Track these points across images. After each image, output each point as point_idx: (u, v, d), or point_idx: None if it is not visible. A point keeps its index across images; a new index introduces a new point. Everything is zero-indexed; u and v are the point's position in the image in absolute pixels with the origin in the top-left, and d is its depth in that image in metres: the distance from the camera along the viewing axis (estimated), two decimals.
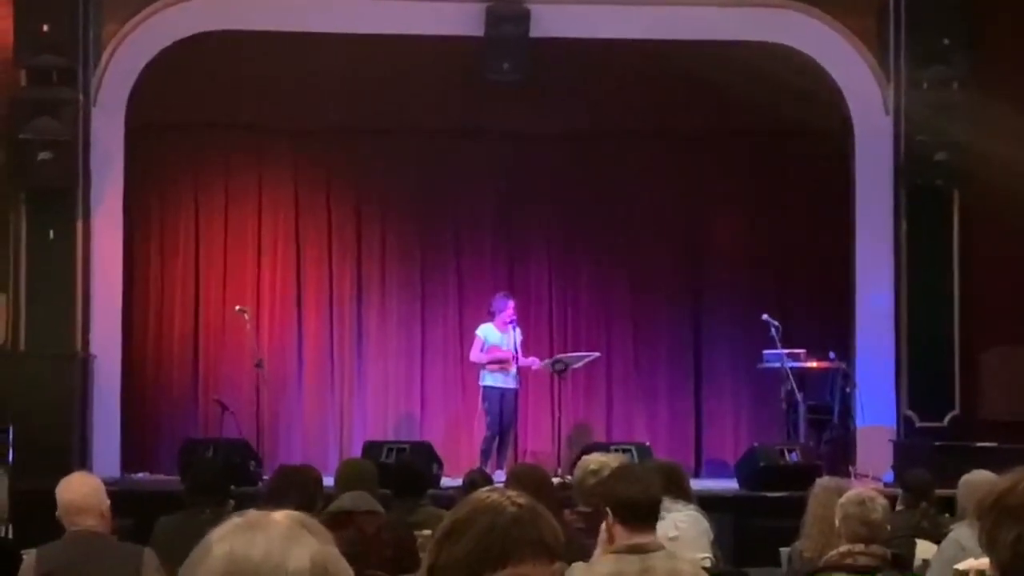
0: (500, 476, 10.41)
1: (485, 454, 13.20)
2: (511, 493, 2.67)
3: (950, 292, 13.52)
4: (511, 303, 13.33)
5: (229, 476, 7.92)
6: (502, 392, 13.20)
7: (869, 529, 5.81)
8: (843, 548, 5.84)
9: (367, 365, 14.52)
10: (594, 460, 6.78)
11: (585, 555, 4.77)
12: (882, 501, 5.94)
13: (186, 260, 14.37)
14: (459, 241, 14.72)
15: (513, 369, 13.17)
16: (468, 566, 2.52)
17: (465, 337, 14.19)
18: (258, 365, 13.17)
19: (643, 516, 4.64)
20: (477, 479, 8.23)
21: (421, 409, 14.51)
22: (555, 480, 8.66)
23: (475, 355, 13.35)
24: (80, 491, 5.75)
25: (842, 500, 5.97)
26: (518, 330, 13.32)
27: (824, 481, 7.18)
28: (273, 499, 5.75)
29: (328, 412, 14.37)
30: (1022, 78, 13.21)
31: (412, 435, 13.85)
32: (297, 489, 5.79)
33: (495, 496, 2.64)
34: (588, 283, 14.80)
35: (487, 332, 13.30)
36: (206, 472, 7.72)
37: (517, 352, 13.15)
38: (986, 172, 13.02)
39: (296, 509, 2.06)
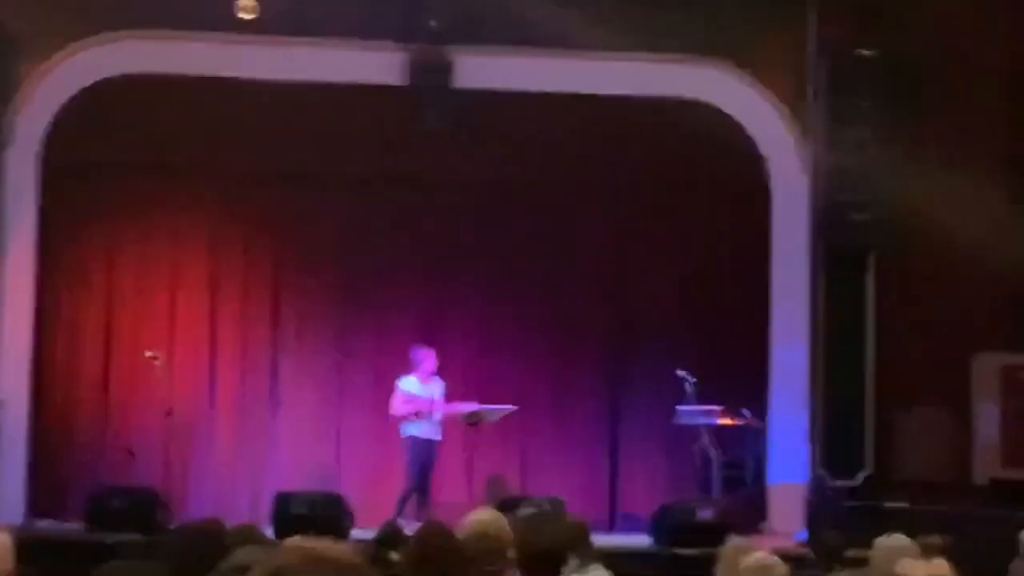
0: None
1: (402, 504, 13.07)
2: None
3: (864, 352, 13.59)
4: (431, 354, 13.26)
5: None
6: (424, 442, 13.12)
7: None
8: None
9: (283, 414, 14.32)
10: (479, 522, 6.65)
11: None
12: (783, 567, 5.90)
13: (98, 304, 14.13)
14: (380, 289, 14.56)
15: (436, 417, 13.10)
16: None
17: (384, 387, 14.05)
18: (168, 414, 13.00)
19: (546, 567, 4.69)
20: (389, 533, 8.12)
21: (338, 460, 14.32)
22: None
23: (395, 407, 13.24)
24: None
25: (743, 565, 5.92)
26: (440, 381, 13.24)
27: (735, 541, 7.14)
28: (173, 559, 5.46)
29: (240, 462, 14.15)
30: (942, 140, 13.36)
31: (329, 486, 13.65)
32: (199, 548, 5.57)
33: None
34: (510, 333, 14.68)
35: (408, 385, 13.21)
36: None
37: (438, 404, 13.09)
38: (904, 234, 13.13)
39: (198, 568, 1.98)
